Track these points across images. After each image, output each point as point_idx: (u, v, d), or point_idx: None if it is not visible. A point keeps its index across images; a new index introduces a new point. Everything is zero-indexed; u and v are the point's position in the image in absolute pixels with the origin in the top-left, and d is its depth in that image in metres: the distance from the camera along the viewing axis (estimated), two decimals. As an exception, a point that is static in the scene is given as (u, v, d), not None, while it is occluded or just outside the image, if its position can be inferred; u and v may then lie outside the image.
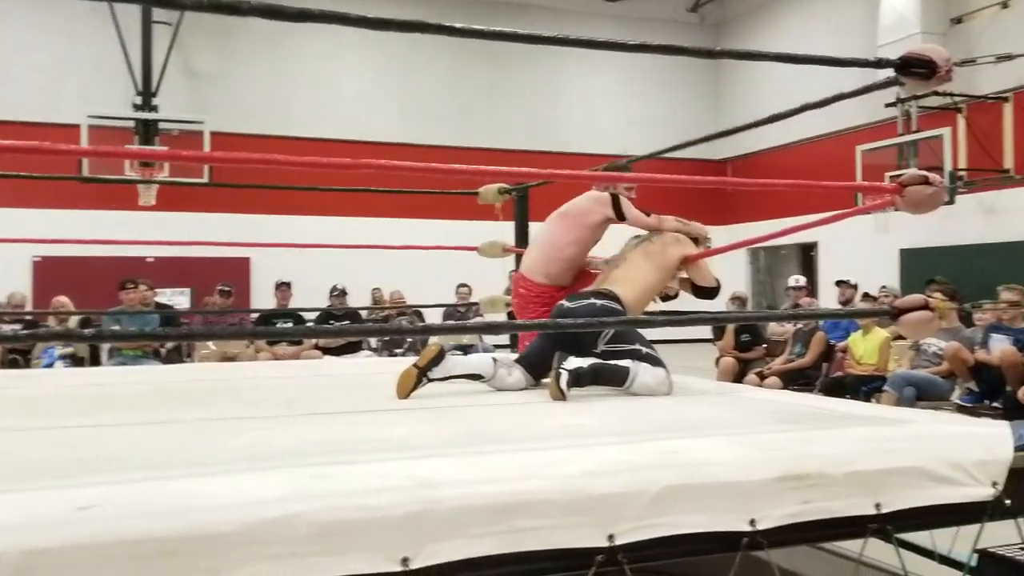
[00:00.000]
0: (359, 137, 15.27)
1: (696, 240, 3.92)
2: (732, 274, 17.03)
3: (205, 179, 10.82)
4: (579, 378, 3.13)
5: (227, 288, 8.81)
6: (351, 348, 8.30)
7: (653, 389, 3.29)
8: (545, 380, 3.35)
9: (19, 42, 13.61)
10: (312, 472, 1.84)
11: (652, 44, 2.48)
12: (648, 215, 3.87)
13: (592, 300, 3.48)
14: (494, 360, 3.45)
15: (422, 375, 3.25)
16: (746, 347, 7.67)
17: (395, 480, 1.79)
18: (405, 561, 1.64)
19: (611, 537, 1.79)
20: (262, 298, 13.19)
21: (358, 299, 10.65)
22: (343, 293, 8.73)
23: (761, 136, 15.88)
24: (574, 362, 3.15)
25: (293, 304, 8.99)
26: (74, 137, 11.38)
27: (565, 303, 3.56)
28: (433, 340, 4.00)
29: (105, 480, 1.82)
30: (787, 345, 7.38)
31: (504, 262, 6.03)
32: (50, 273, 12.75)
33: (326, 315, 8.41)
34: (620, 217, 3.84)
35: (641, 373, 3.26)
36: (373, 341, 9.34)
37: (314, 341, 8.31)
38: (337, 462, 1.96)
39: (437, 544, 1.67)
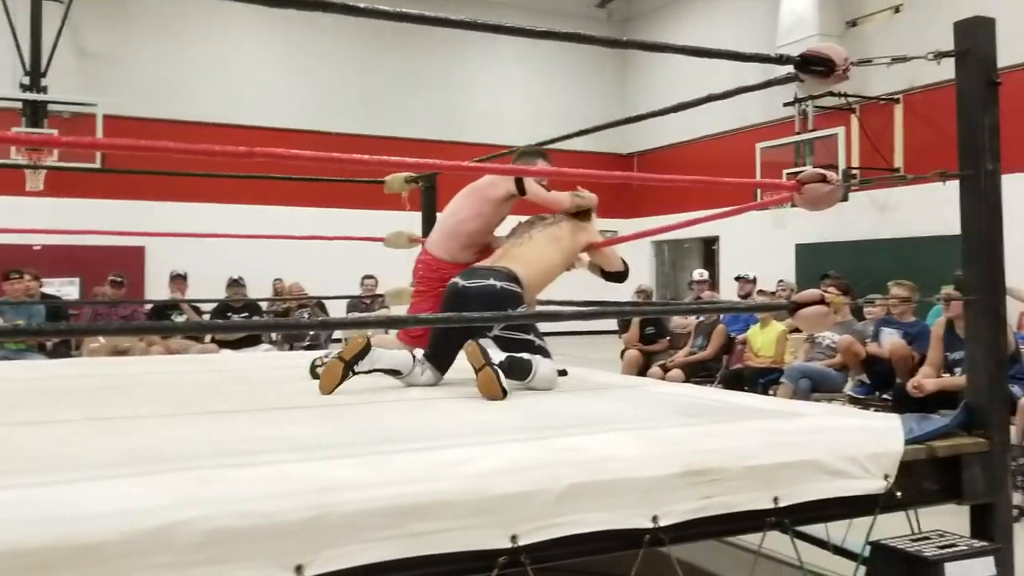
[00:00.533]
0: (260, 123, 14.85)
1: (589, 212, 3.92)
2: (637, 267, 17.30)
3: (97, 164, 10.33)
4: (500, 372, 3.04)
5: (119, 278, 8.42)
6: (249, 341, 8.05)
7: (548, 383, 3.27)
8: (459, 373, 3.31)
9: None
10: (200, 476, 1.75)
11: (561, 32, 2.46)
12: (548, 191, 3.85)
13: (491, 281, 3.35)
14: (414, 357, 3.37)
15: (348, 368, 3.15)
16: (650, 340, 7.79)
17: (290, 483, 1.71)
18: (299, 569, 1.57)
19: (514, 538, 1.75)
20: (157, 289, 12.69)
21: (258, 290, 10.36)
22: (241, 284, 8.46)
23: (666, 131, 16.19)
24: (495, 356, 3.07)
25: (189, 295, 8.66)
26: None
27: (460, 281, 3.40)
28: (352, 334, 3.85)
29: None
30: (690, 338, 7.52)
31: (411, 253, 5.94)
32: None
33: (224, 307, 8.13)
34: (521, 191, 3.77)
35: (540, 366, 3.24)
36: (273, 334, 9.10)
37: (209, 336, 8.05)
38: (228, 465, 1.86)
39: (333, 550, 1.61)
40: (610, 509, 1.89)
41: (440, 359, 3.41)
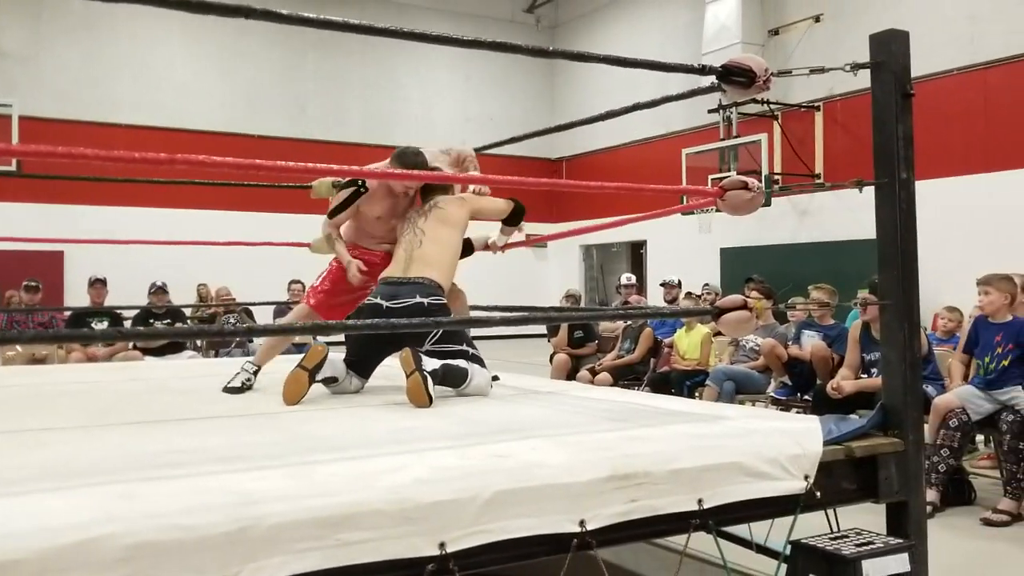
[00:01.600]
0: (180, 125, 14.50)
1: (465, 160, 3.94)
2: (566, 272, 17.50)
3: (12, 167, 9.96)
4: (430, 379, 3.03)
5: (34, 283, 8.10)
6: (173, 348, 7.84)
7: (483, 390, 3.29)
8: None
9: None
10: (121, 490, 1.71)
11: (488, 40, 2.47)
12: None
13: (418, 299, 3.32)
14: (346, 364, 3.35)
15: (311, 377, 3.12)
16: (579, 343, 7.86)
17: (212, 496, 1.69)
18: (222, 584, 1.55)
19: (442, 545, 1.76)
20: (77, 294, 12.27)
21: (182, 296, 10.11)
22: (164, 290, 8.25)
23: (595, 137, 16.35)
24: (429, 363, 3.07)
25: (109, 301, 8.40)
26: None
27: (384, 303, 3.34)
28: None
29: None
30: (617, 341, 7.61)
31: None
32: None
33: (146, 313, 7.91)
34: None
35: (476, 375, 3.25)
36: (198, 341, 8.90)
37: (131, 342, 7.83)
38: (149, 478, 1.83)
39: (259, 562, 1.59)
40: (538, 515, 1.90)
41: (361, 367, 3.39)
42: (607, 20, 17.16)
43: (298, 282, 9.76)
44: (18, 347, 7.08)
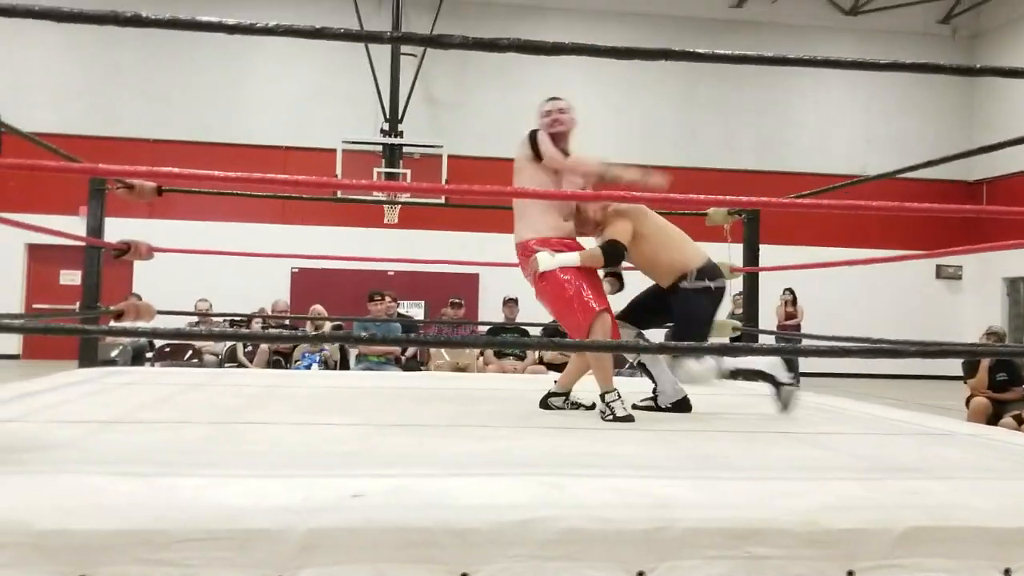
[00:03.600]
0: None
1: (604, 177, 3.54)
2: (987, 308, 15.62)
3: (442, 200, 11.47)
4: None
5: (458, 300, 9.32)
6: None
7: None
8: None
9: (283, 76, 15.10)
10: (552, 482, 1.94)
11: (904, 62, 2.40)
12: (566, 155, 3.55)
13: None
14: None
15: None
16: (1001, 387, 7.03)
17: (630, 497, 1.85)
18: (641, 575, 1.70)
19: (851, 573, 1.75)
20: (490, 312, 13.73)
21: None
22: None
23: (1022, 156, 14.48)
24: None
25: (519, 319, 9.30)
26: (330, 160, 12.47)
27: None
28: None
29: (369, 473, 2.02)
30: (1049, 387, 6.69)
31: (729, 285, 5.93)
32: (306, 282, 14.01)
33: (553, 330, 8.62)
34: (538, 156, 3.55)
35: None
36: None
37: (537, 355, 8.57)
38: (574, 474, 2.05)
39: (673, 562, 1.71)
40: (956, 557, 1.80)
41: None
42: (1037, 25, 15.17)
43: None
44: (445, 356, 8.11)
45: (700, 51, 2.32)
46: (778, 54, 2.39)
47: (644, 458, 2.41)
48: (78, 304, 4.87)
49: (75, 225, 5.22)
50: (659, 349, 2.90)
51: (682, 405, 3.58)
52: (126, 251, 4.04)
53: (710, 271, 3.57)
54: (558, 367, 8.36)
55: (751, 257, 5.77)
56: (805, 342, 8.41)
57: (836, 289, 14.72)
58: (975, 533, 1.83)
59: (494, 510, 1.75)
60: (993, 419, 6.72)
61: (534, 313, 9.62)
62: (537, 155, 3.57)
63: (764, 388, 3.59)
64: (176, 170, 2.40)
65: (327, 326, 8.14)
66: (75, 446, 2.30)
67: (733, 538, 1.73)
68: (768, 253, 5.92)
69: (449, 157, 13.14)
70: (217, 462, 2.21)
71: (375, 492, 1.80)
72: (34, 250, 14.05)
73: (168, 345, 9.15)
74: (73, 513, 1.65)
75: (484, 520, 1.72)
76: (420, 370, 7.98)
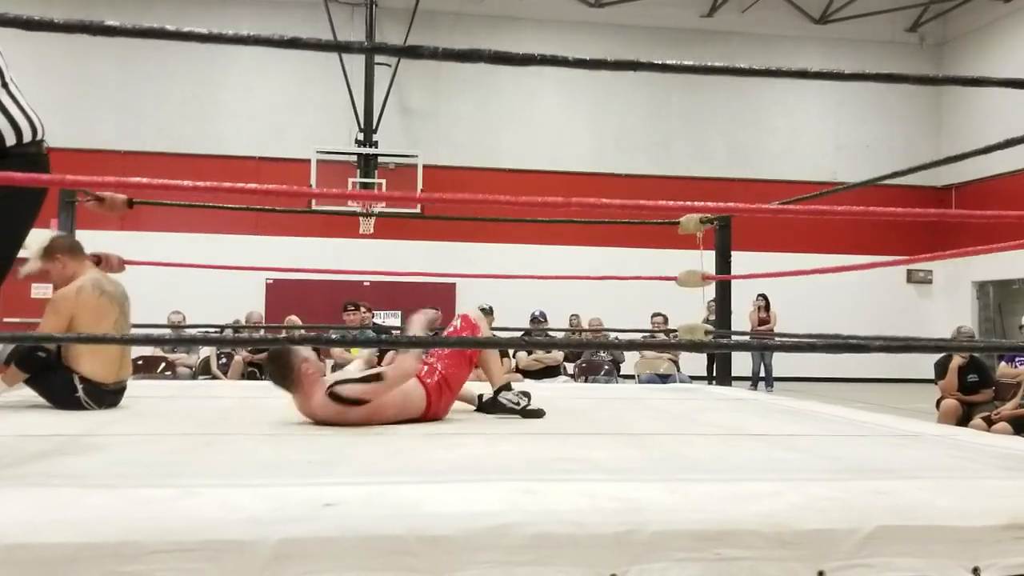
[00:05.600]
0: (556, 168, 15.58)
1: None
2: (956, 311, 15.83)
3: (417, 209, 11.47)
4: None
5: (434, 309, 9.29)
6: (549, 373, 8.48)
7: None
8: None
9: (257, 86, 15.05)
10: (524, 487, 1.95)
11: (872, 73, 2.44)
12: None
13: None
14: None
15: None
16: (972, 389, 7.13)
17: (601, 501, 1.86)
18: (612, 578, 1.71)
19: (821, 573, 1.77)
20: (465, 322, 13.73)
21: (555, 325, 10.87)
22: (542, 320, 8.95)
23: (991, 161, 14.73)
24: None
25: (496, 325, 9.31)
26: (304, 171, 12.44)
27: None
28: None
29: (342, 482, 2.02)
30: (1020, 388, 6.78)
31: (703, 290, 6.00)
32: (280, 294, 13.94)
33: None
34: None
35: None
36: (570, 367, 9.48)
37: (514, 364, 8.60)
38: (545, 479, 2.06)
39: (643, 565, 1.72)
40: (924, 556, 1.83)
41: None
42: (1004, 34, 15.43)
43: (659, 314, 10.03)
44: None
45: (669, 63, 2.36)
46: (748, 64, 2.43)
47: (616, 461, 2.43)
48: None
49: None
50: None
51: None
52: (97, 263, 3.99)
53: None
54: (534, 374, 8.37)
55: (723, 264, 5.84)
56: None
57: (808, 295, 14.85)
58: (943, 532, 1.85)
59: (466, 517, 1.76)
60: (964, 420, 6.81)
61: (511, 320, 9.70)
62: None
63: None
64: (145, 180, 2.39)
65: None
66: (44, 459, 2.28)
67: (703, 540, 1.75)
68: (740, 260, 5.98)
69: (424, 167, 13.14)
70: (188, 473, 2.20)
71: (347, 501, 1.80)
72: (3, 264, 13.87)
73: (140, 358, 9.06)
74: (41, 527, 1.63)
75: (456, 527, 1.72)
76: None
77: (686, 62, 2.34)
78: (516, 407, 3.59)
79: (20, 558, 1.57)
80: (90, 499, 1.79)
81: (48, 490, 1.90)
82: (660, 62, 2.27)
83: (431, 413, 3.37)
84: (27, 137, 2.32)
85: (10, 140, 2.26)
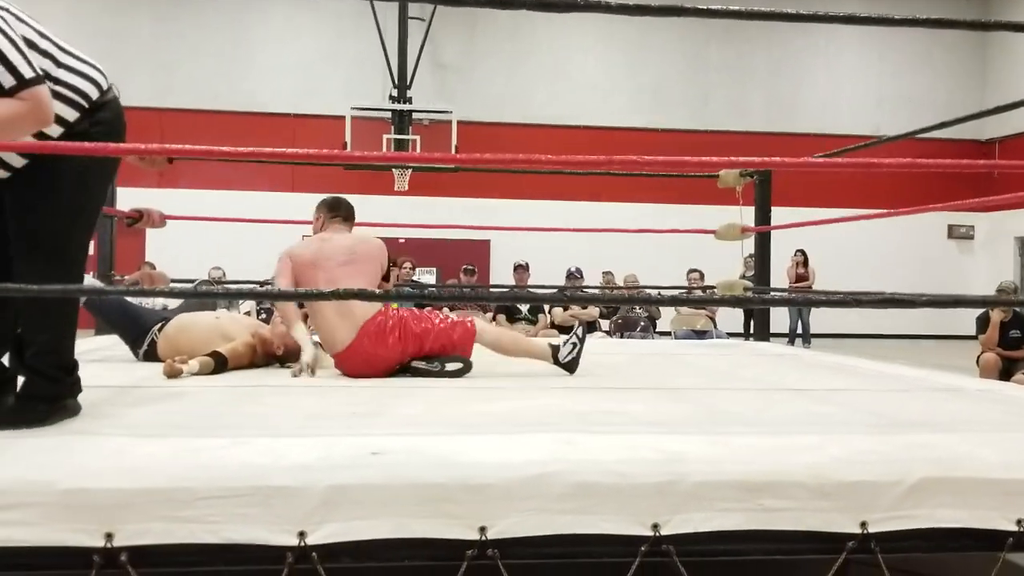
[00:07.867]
0: (593, 123, 15.40)
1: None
2: (998, 267, 15.53)
3: (452, 165, 11.44)
4: None
5: (471, 267, 9.33)
6: (587, 330, 8.52)
7: None
8: None
9: (290, 40, 15.01)
10: (565, 438, 1.97)
11: (917, 18, 2.38)
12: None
13: None
14: None
15: None
16: (1013, 345, 7.02)
17: (643, 452, 1.87)
18: (655, 527, 1.72)
19: (864, 524, 1.77)
20: (500, 278, 13.77)
21: (590, 282, 10.85)
22: (578, 276, 8.94)
23: (1037, 113, 14.30)
24: None
25: (531, 283, 9.33)
26: (339, 127, 12.43)
27: None
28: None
29: (385, 432, 2.05)
30: (1062, 345, 6.67)
31: (742, 245, 5.94)
32: (316, 252, 13.97)
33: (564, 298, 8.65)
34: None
35: None
36: (605, 324, 9.47)
37: (549, 319, 8.64)
38: (587, 431, 2.07)
39: (686, 515, 1.74)
40: (966, 508, 1.82)
41: None
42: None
43: (695, 271, 9.96)
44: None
45: (713, 7, 2.31)
46: (791, 10, 2.38)
47: (656, 415, 2.44)
48: (92, 273, 4.91)
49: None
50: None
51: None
52: (139, 219, 4.05)
53: None
54: (568, 330, 8.38)
55: (763, 218, 5.77)
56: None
57: (847, 251, 14.66)
58: (986, 484, 1.84)
59: (508, 466, 1.78)
60: (1004, 375, 6.73)
61: (546, 277, 9.70)
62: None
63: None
64: (187, 146, 2.42)
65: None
66: (95, 409, 2.34)
67: (745, 490, 1.76)
68: (779, 215, 5.90)
69: (459, 123, 13.07)
70: (237, 424, 2.24)
71: (392, 450, 1.83)
72: (46, 221, 14.11)
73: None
74: (96, 473, 1.68)
75: (497, 476, 1.74)
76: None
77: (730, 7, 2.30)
78: (434, 371, 3.48)
79: (75, 503, 1.62)
80: (142, 447, 1.84)
81: (101, 438, 1.95)
82: (704, 7, 2.23)
83: (358, 347, 3.40)
84: (104, 84, 2.34)
85: (94, 94, 2.28)
